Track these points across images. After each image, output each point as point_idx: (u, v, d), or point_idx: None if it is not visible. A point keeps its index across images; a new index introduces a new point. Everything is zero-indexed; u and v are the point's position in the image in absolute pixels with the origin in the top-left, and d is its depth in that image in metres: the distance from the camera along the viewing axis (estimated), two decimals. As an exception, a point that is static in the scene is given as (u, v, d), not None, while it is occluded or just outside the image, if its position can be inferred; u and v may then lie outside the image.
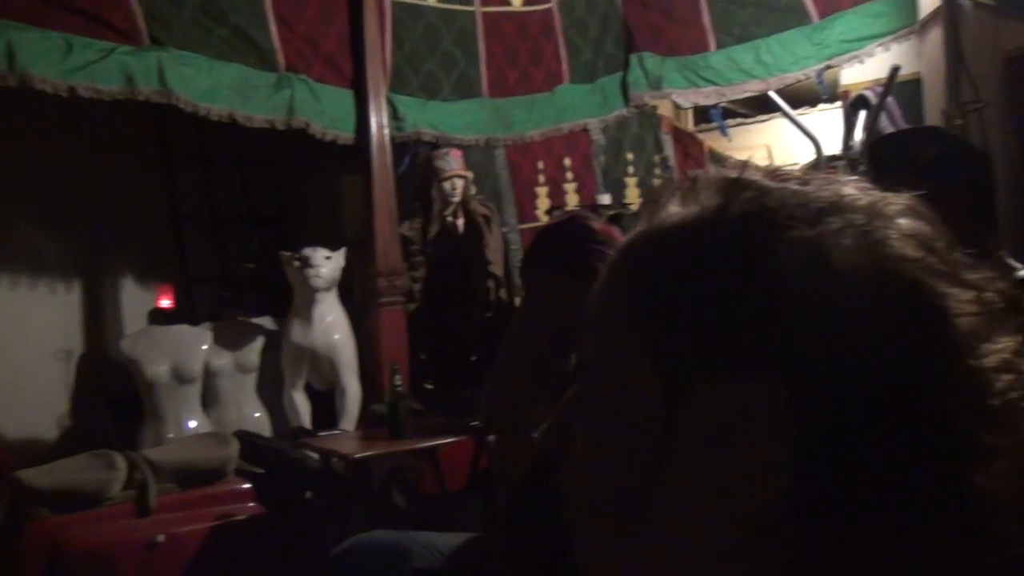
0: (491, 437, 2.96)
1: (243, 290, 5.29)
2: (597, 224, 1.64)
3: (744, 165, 0.53)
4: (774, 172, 0.52)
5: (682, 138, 5.94)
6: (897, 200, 0.50)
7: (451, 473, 3.45)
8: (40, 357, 5.12)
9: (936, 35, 3.93)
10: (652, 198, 0.54)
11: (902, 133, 2.59)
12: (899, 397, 0.44)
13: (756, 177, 0.51)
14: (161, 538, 2.90)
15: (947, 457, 0.44)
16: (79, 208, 5.30)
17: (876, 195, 0.50)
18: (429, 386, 4.49)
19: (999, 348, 0.46)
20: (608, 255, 0.55)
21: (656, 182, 5.71)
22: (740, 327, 0.46)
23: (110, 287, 5.52)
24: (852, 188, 0.50)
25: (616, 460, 0.50)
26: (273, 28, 4.31)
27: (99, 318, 5.45)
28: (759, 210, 0.48)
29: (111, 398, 4.94)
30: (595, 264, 1.44)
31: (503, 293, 4.69)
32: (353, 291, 4.85)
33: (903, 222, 0.48)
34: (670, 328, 0.48)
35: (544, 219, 5.11)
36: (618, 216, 4.47)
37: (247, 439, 3.44)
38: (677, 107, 5.60)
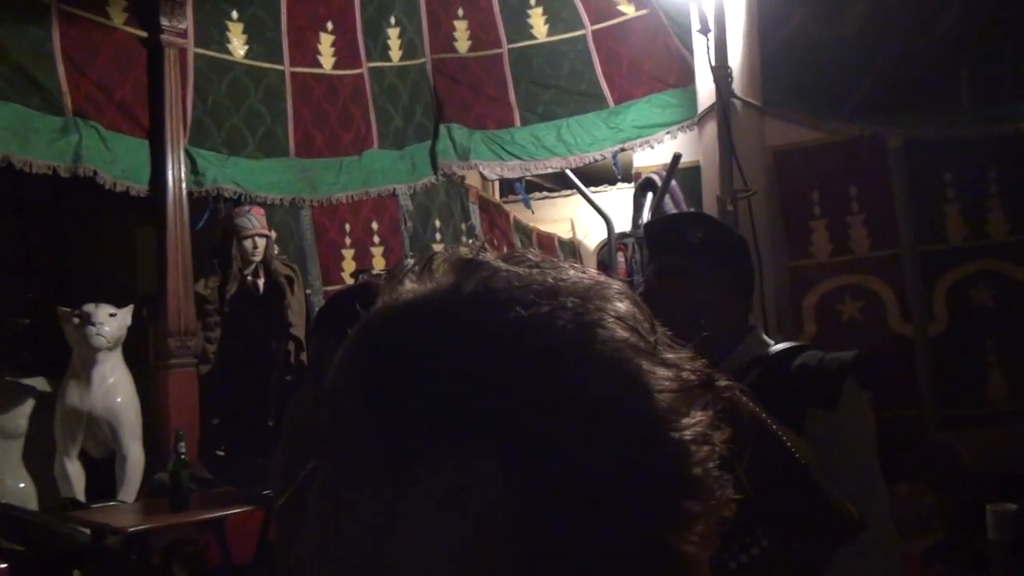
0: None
1: (14, 347, 4.84)
2: None
3: (482, 245, 0.56)
4: (509, 255, 0.55)
5: (488, 208, 6.12)
6: (613, 284, 0.53)
7: (239, 545, 3.28)
8: None
9: (712, 128, 4.33)
10: (392, 275, 0.56)
11: (673, 217, 2.83)
12: (607, 467, 0.47)
13: (489, 259, 0.54)
14: None
15: (653, 524, 0.48)
16: None
17: (595, 279, 0.53)
18: (221, 453, 4.27)
19: (695, 421, 0.50)
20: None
21: (463, 249, 5.82)
22: (456, 406, 0.48)
23: None
24: (574, 272, 0.53)
25: (344, 530, 0.50)
26: (61, 70, 4.08)
27: None
28: (485, 291, 0.51)
29: None
30: None
31: (304, 356, 4.58)
32: (147, 351, 4.56)
33: (618, 305, 0.52)
34: (394, 405, 0.49)
35: (350, 281, 5.06)
36: None
37: (6, 513, 3.12)
38: (484, 178, 5.78)
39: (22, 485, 4.11)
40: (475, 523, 0.47)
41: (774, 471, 1.16)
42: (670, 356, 0.52)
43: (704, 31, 4.23)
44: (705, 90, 4.50)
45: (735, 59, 4.31)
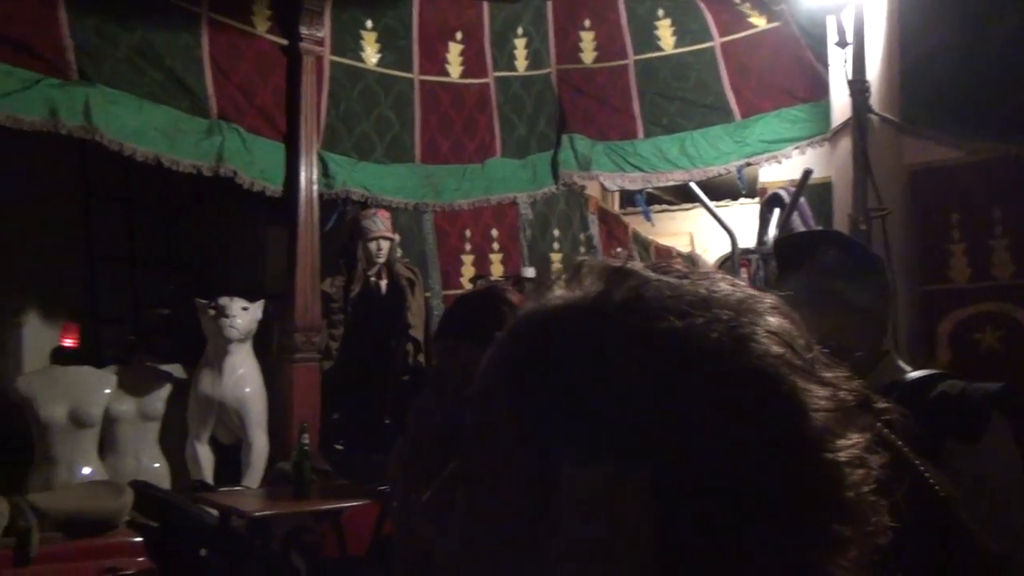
0: (396, 503, 2.92)
1: (155, 335, 5.14)
2: (515, 298, 1.67)
3: (629, 255, 0.56)
4: (657, 265, 0.54)
5: (607, 219, 6.10)
6: (766, 299, 0.52)
7: (354, 537, 3.38)
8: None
9: (846, 144, 4.18)
10: (541, 280, 0.57)
11: (806, 234, 2.72)
12: (758, 486, 0.47)
13: (638, 268, 0.53)
14: (39, 590, 2.76)
15: (802, 546, 0.47)
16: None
17: (747, 292, 0.52)
18: (339, 447, 4.41)
19: (851, 443, 0.49)
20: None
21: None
22: (608, 413, 0.48)
23: (11, 321, 5.30)
24: (725, 284, 0.52)
25: (491, 533, 0.51)
26: (208, 75, 4.32)
27: (-3, 353, 5.22)
28: (636, 299, 0.51)
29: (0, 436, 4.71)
30: None
31: (421, 358, 4.68)
32: (270, 345, 4.77)
33: (771, 319, 0.51)
34: (544, 410, 0.50)
35: (468, 287, 5.15)
36: (522, 289, 4.53)
37: (143, 490, 3.30)
38: (604, 189, 5.77)
39: (157, 465, 4.36)
40: (622, 530, 0.47)
41: (914, 503, 1.12)
42: (827, 375, 0.51)
43: (842, 44, 4.10)
44: (840, 104, 4.36)
45: (873, 73, 4.16)
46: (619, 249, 5.85)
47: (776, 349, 0.49)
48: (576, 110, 5.47)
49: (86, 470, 4.12)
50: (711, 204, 5.04)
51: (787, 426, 0.48)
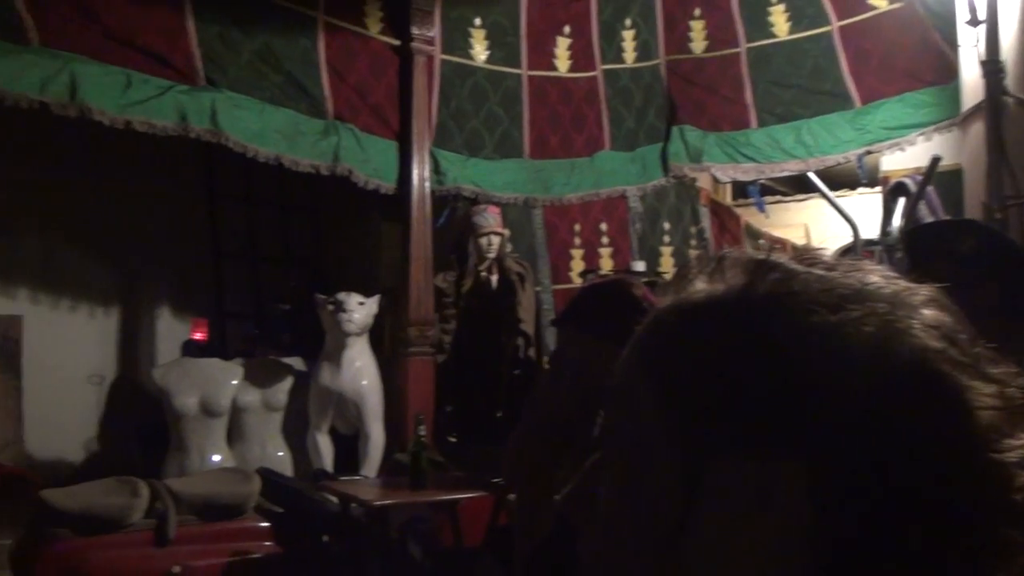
0: (511, 495, 2.95)
1: (276, 329, 5.35)
2: (640, 292, 1.65)
3: (772, 246, 0.55)
4: (802, 256, 0.53)
5: (719, 212, 5.99)
6: (921, 291, 0.50)
7: (469, 528, 3.43)
8: (74, 379, 5.21)
9: (978, 128, 3.96)
10: (681, 273, 0.56)
11: (941, 224, 2.59)
12: (919, 489, 0.45)
13: (783, 260, 0.52)
14: (177, 569, 2.92)
15: (968, 552, 0.45)
16: (123, 236, 5.44)
17: (901, 284, 0.50)
18: (453, 439, 4.49)
19: (1021, 444, 0.46)
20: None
21: (691, 253, 5.75)
22: (762, 408, 0.47)
23: (147, 316, 5.63)
24: (877, 276, 0.50)
25: (636, 531, 0.50)
26: (325, 77, 4.46)
27: (133, 345, 5.55)
28: (784, 293, 0.49)
29: (139, 425, 5.01)
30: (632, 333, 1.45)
31: (532, 352, 4.72)
32: (383, 339, 4.90)
33: (927, 313, 0.49)
34: (692, 405, 0.49)
35: (578, 281, 5.15)
36: (652, 283, 4.49)
37: (269, 477, 3.45)
38: (716, 181, 5.66)
39: (281, 453, 4.55)
40: (775, 527, 0.46)
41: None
42: (993, 371, 0.48)
43: (973, 22, 3.89)
44: (971, 87, 4.13)
45: (1007, 52, 3.92)
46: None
47: (935, 344, 0.47)
48: (686, 101, 5.38)
49: (216, 457, 4.34)
50: (831, 194, 4.87)
51: (951, 425, 0.46)
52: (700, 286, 0.53)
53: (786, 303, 0.49)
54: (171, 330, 5.65)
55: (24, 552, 2.85)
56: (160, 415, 4.64)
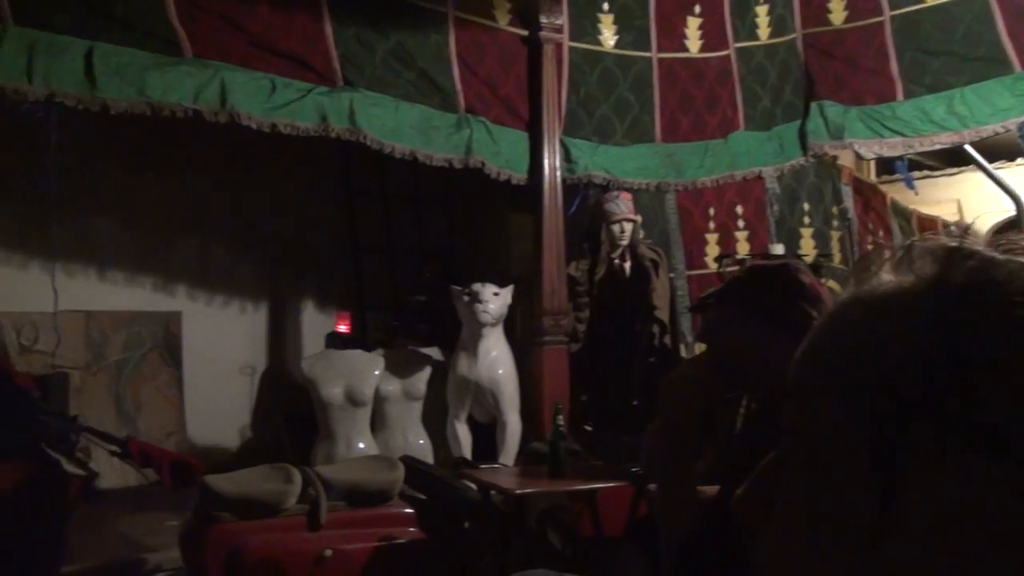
0: (652, 485, 2.91)
1: (413, 320, 5.49)
2: (807, 279, 1.58)
3: (965, 231, 0.50)
4: (997, 242, 0.49)
5: (863, 189, 5.71)
6: None
7: (608, 518, 3.42)
8: (228, 371, 5.53)
9: None
10: (862, 264, 0.52)
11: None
12: None
13: (979, 247, 0.48)
14: (329, 553, 3.03)
15: None
16: (269, 236, 5.72)
17: None
18: (588, 428, 4.48)
19: None
20: (813, 316, 0.53)
21: (834, 234, 5.51)
22: (966, 405, 0.43)
23: (292, 310, 5.90)
24: None
25: (824, 535, 0.48)
26: (456, 72, 4.52)
27: (280, 338, 5.83)
28: (984, 283, 0.46)
29: (287, 414, 5.27)
30: (799, 322, 1.38)
31: (667, 339, 4.64)
32: (514, 328, 4.94)
33: None
34: (883, 406, 0.46)
35: (713, 267, 5.03)
36: (817, 266, 4.33)
37: (412, 465, 3.55)
38: (859, 158, 5.39)
39: (422, 442, 4.67)
40: (985, 531, 0.43)
41: None
42: None
43: None
44: None
45: None
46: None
47: None
48: (825, 75, 5.15)
49: (361, 445, 4.50)
50: (989, 166, 4.56)
51: None
52: (886, 277, 0.50)
53: (986, 294, 0.45)
54: (314, 323, 5.91)
55: (190, 533, 3.03)
56: (305, 404, 4.85)
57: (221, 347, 5.51)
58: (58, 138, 3.93)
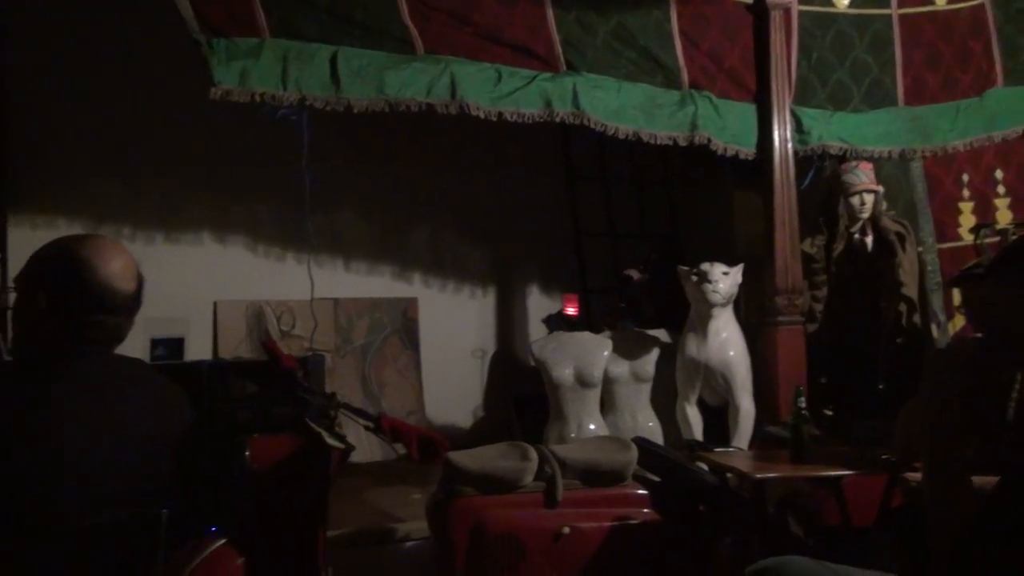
0: (909, 474, 2.72)
1: (637, 302, 5.46)
2: None
3: None
4: None
5: None
6: None
7: (856, 507, 3.21)
8: (461, 355, 5.79)
9: None
10: None
11: None
12: None
13: None
14: (566, 530, 3.07)
15: None
16: (495, 223, 5.90)
17: None
18: (829, 413, 4.25)
19: None
20: None
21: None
22: None
23: (519, 293, 6.06)
24: None
25: None
26: (679, 48, 4.42)
27: (508, 321, 6.01)
28: None
29: (516, 394, 5.42)
30: None
31: (916, 318, 4.30)
32: (739, 308, 4.77)
33: None
34: None
35: (968, 239, 4.60)
36: None
37: (644, 446, 3.51)
38: None
39: (651, 424, 4.64)
40: None
41: None
42: None
43: None
44: None
45: None
46: None
47: None
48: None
49: (592, 426, 4.54)
50: None
51: None
52: None
53: None
54: (540, 306, 6.04)
55: (437, 506, 3.18)
56: (532, 385, 4.96)
57: (454, 331, 5.77)
58: (309, 139, 4.26)
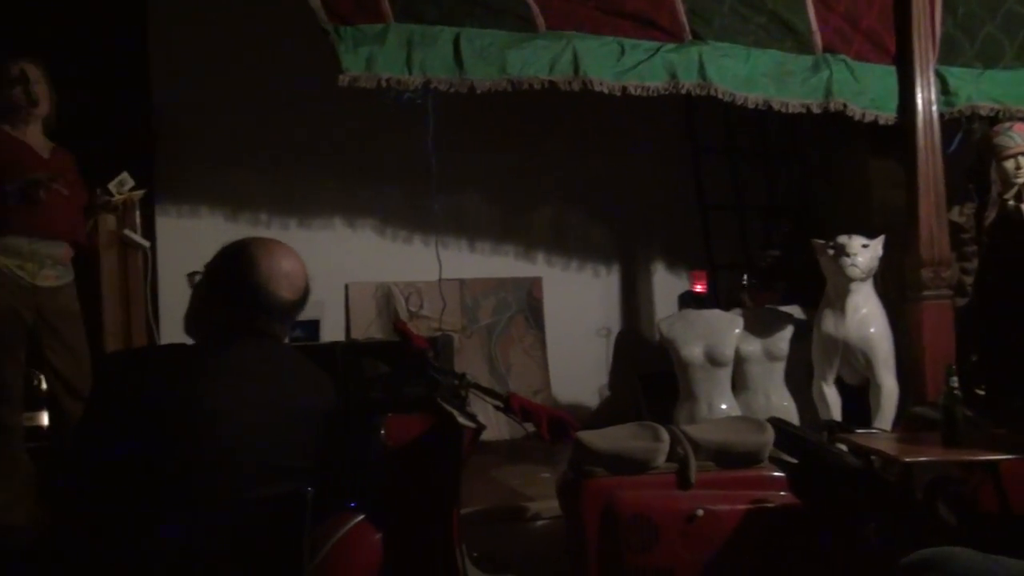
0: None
1: (769, 278, 5.28)
2: None
3: None
4: None
5: None
6: None
7: (1016, 494, 3.01)
8: (586, 333, 5.76)
9: None
10: None
11: None
12: None
13: None
14: (700, 512, 3.01)
15: None
16: (619, 199, 5.82)
17: None
18: (981, 392, 3.99)
19: None
20: None
21: None
22: None
23: (643, 271, 5.97)
24: None
25: None
26: (811, 10, 4.22)
27: (633, 299, 5.94)
28: None
29: (641, 374, 5.35)
30: None
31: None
32: (876, 282, 4.54)
33: None
34: None
35: None
36: None
37: (780, 427, 3.39)
38: None
39: (785, 403, 4.48)
40: None
41: None
42: None
43: None
44: None
45: None
46: None
47: None
48: None
49: (723, 406, 4.43)
50: None
51: None
52: None
53: None
54: (665, 284, 5.93)
55: (568, 485, 3.18)
56: (658, 364, 4.88)
57: (578, 310, 5.74)
58: (434, 122, 4.30)
